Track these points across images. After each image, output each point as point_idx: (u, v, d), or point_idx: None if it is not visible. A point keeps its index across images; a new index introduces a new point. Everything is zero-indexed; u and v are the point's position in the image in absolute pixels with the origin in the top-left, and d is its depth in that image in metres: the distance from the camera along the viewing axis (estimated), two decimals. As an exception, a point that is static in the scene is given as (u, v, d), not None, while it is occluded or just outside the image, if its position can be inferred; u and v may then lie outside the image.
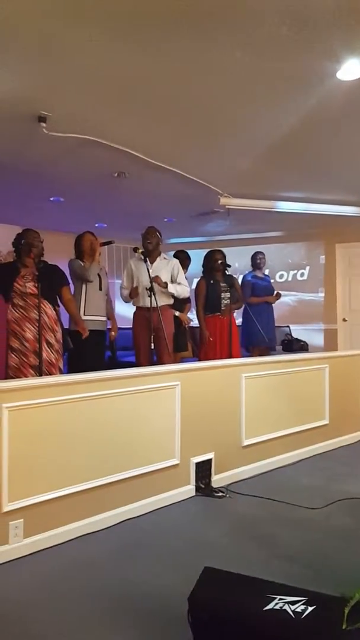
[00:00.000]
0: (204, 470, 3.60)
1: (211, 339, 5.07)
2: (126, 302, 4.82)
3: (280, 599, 1.71)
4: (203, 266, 5.38)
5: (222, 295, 5.14)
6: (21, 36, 2.72)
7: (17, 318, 3.78)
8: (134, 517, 3.15)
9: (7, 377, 3.66)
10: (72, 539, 2.86)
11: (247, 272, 6.18)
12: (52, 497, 2.82)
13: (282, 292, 6.42)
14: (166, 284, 4.57)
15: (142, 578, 2.47)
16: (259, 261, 6.05)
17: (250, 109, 3.69)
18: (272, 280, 6.51)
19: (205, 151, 4.59)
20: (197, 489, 3.54)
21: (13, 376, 3.69)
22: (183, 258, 5.36)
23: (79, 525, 2.92)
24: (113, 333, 4.67)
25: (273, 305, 6.08)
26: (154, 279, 4.37)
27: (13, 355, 3.74)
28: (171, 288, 4.62)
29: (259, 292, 5.90)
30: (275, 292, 6.13)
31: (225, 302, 5.12)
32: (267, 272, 6.32)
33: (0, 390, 2.68)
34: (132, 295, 4.65)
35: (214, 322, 5.12)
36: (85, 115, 3.72)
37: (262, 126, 4.01)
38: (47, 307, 3.89)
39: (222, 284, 5.16)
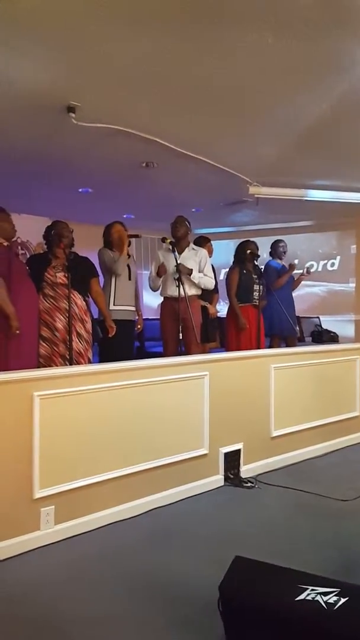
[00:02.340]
0: (232, 460, 3.59)
1: (247, 327, 5.04)
2: (155, 290, 4.80)
3: (312, 590, 1.69)
4: (234, 256, 5.35)
5: (254, 286, 5.11)
6: (50, 27, 2.72)
7: (48, 308, 3.82)
8: (162, 506, 3.16)
9: (38, 365, 3.71)
10: (102, 527, 2.89)
11: (269, 259, 6.08)
12: (82, 485, 2.85)
13: (311, 283, 6.30)
14: (192, 270, 4.55)
15: (172, 566, 2.48)
16: (281, 249, 5.92)
17: (281, 95, 3.62)
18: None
19: (234, 139, 4.53)
20: (226, 478, 3.54)
21: (44, 365, 3.73)
22: (204, 243, 5.27)
23: (108, 513, 2.95)
24: (139, 326, 4.66)
25: (294, 294, 5.97)
26: (179, 266, 4.36)
27: (44, 345, 3.78)
28: (195, 277, 4.58)
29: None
30: (305, 268, 5.99)
31: (257, 293, 5.09)
32: (296, 261, 6.19)
33: (31, 378, 2.71)
34: (159, 274, 4.62)
35: (245, 312, 5.10)
36: (114, 105, 3.71)
37: (293, 113, 3.93)
38: (77, 298, 3.92)
39: (254, 275, 5.12)
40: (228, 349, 5.16)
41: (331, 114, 3.92)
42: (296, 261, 6.18)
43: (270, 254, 5.97)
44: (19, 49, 2.93)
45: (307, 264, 6.80)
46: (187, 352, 4.42)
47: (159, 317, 4.89)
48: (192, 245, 4.77)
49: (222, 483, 3.52)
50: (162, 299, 4.80)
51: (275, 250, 5.90)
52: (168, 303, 4.66)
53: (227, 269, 5.52)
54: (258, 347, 4.80)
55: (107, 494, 2.96)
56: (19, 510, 2.64)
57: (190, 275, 4.54)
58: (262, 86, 3.48)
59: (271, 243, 6.01)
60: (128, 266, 4.49)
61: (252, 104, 3.78)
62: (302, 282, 6.20)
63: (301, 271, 6.11)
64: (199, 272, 4.68)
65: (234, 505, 3.24)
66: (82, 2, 2.50)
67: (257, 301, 5.09)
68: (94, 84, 3.40)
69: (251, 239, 5.42)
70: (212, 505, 3.23)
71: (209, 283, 4.74)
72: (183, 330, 4.36)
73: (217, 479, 3.51)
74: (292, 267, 5.80)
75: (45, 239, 4.13)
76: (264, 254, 6.09)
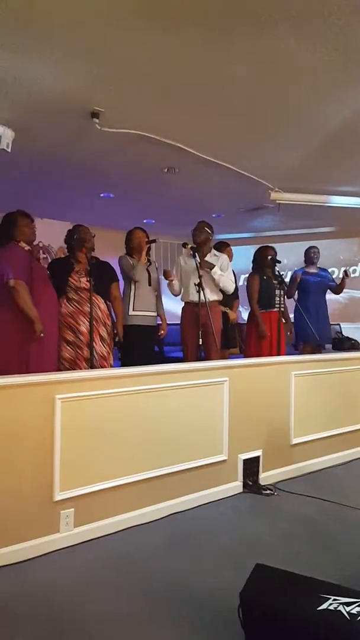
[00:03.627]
0: (251, 467, 3.57)
1: (268, 334, 5.02)
2: (175, 295, 4.81)
3: (334, 600, 1.67)
4: (253, 262, 5.33)
5: (275, 291, 5.08)
6: (75, 33, 2.75)
7: (72, 312, 3.85)
8: (181, 511, 3.16)
9: (60, 369, 3.73)
10: (120, 530, 2.90)
11: (297, 268, 6.04)
12: (102, 488, 2.86)
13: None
14: (214, 265, 4.55)
15: (190, 572, 2.48)
16: (312, 255, 5.86)
17: (305, 101, 3.61)
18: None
19: (256, 145, 4.53)
20: (245, 485, 3.52)
21: (69, 368, 3.76)
22: (223, 248, 5.23)
23: (127, 517, 2.95)
24: (162, 332, 4.66)
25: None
26: (202, 262, 4.35)
27: (68, 348, 3.81)
28: (216, 273, 4.55)
29: (307, 287, 5.74)
30: (343, 271, 5.85)
31: (278, 298, 5.06)
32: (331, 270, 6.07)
33: (53, 381, 2.73)
34: (165, 277, 4.63)
35: (267, 318, 5.07)
36: (137, 110, 3.74)
37: (317, 119, 3.92)
38: (100, 302, 3.95)
39: (274, 281, 5.10)
40: (247, 355, 5.13)
41: (355, 120, 3.90)
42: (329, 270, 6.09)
43: (305, 260, 5.90)
44: (44, 54, 2.97)
45: (347, 268, 6.63)
46: (207, 358, 4.41)
47: (177, 322, 4.89)
48: (213, 251, 4.77)
49: (240, 490, 3.50)
50: (182, 304, 4.80)
51: (307, 256, 5.86)
52: (189, 308, 4.66)
53: (247, 275, 5.50)
54: (278, 354, 4.78)
55: (126, 497, 2.97)
56: (39, 512, 2.65)
57: (211, 270, 4.53)
58: (285, 92, 3.47)
59: (305, 250, 5.95)
60: (148, 272, 4.50)
61: (276, 110, 3.77)
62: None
63: (341, 276, 5.97)
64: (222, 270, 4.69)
65: (253, 512, 3.22)
66: (106, 8, 2.53)
67: (279, 306, 5.06)
68: (117, 91, 3.42)
69: (270, 245, 5.39)
70: (231, 512, 3.21)
71: (229, 284, 4.68)
72: (203, 335, 4.35)
73: (235, 486, 3.49)
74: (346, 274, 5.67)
75: (67, 243, 4.17)
76: (285, 260, 6.05)
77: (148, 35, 2.77)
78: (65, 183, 5.77)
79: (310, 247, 5.92)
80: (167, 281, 4.70)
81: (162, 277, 4.78)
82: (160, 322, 4.66)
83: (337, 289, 5.83)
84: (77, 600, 2.24)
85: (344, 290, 5.91)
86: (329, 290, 5.89)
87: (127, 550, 2.70)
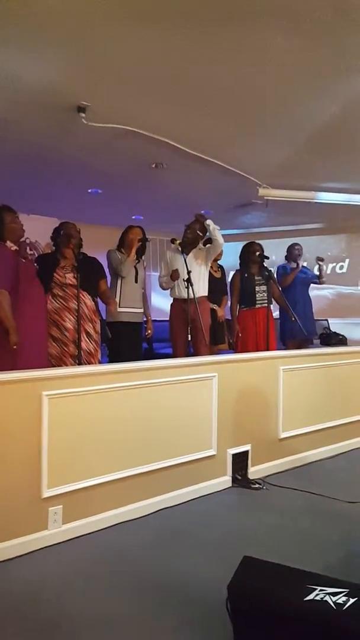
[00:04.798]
0: (240, 461, 3.58)
1: (240, 335, 5.04)
2: (165, 289, 4.80)
3: (321, 590, 1.68)
4: (240, 258, 5.33)
5: (257, 288, 5.06)
6: (61, 27, 2.74)
7: (57, 308, 3.83)
8: (170, 507, 3.16)
9: (48, 365, 3.71)
10: (110, 527, 2.89)
11: (280, 263, 6.06)
12: (90, 485, 2.85)
13: (320, 285, 6.23)
14: (206, 219, 4.58)
15: (179, 566, 2.48)
16: (297, 252, 5.89)
17: (292, 97, 3.62)
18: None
19: (244, 141, 4.53)
20: (234, 480, 3.53)
21: (55, 365, 3.74)
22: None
23: (116, 513, 2.95)
24: (149, 331, 4.64)
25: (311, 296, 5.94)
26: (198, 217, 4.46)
27: (54, 344, 3.80)
28: (210, 226, 4.53)
29: (293, 283, 5.75)
30: (316, 258, 5.95)
31: (261, 295, 5.04)
32: (305, 264, 6.16)
33: (40, 378, 2.72)
34: (173, 278, 4.60)
35: (251, 315, 5.07)
36: (124, 105, 3.73)
37: (304, 115, 3.93)
38: (86, 298, 3.93)
39: (257, 277, 5.07)
40: (236, 351, 5.14)
41: (342, 116, 3.91)
42: (305, 263, 6.13)
43: (286, 257, 5.94)
44: (30, 48, 2.95)
45: (316, 268, 6.72)
46: (196, 353, 4.42)
47: (167, 318, 4.89)
48: (200, 245, 4.76)
49: (229, 484, 3.51)
50: (171, 300, 4.80)
51: (291, 253, 5.88)
52: (177, 304, 4.66)
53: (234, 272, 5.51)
54: (267, 349, 4.79)
55: (115, 494, 2.96)
56: (27, 509, 2.64)
57: (206, 222, 4.55)
58: (273, 88, 3.48)
59: (288, 246, 5.99)
60: (135, 269, 4.49)
61: (264, 106, 3.78)
62: (314, 285, 6.09)
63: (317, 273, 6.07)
64: (208, 264, 4.74)
65: (241, 506, 3.23)
66: (93, 3, 2.52)
67: (265, 302, 5.02)
68: (104, 85, 3.41)
69: (258, 241, 5.39)
70: (220, 506, 3.22)
71: (221, 238, 4.65)
72: (192, 331, 4.36)
73: (224, 480, 3.50)
74: (297, 266, 5.78)
75: (53, 239, 4.15)
76: (273, 256, 6.07)
77: (134, 30, 2.76)
78: (52, 179, 5.74)
79: (294, 244, 5.95)
80: (165, 278, 4.69)
81: (159, 276, 4.79)
82: (147, 320, 4.64)
83: (319, 278, 5.93)
84: (66, 597, 2.23)
85: (332, 286, 5.97)
86: (315, 287, 5.94)
87: (116, 546, 2.70)
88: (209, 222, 4.56)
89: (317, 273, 5.95)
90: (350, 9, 2.58)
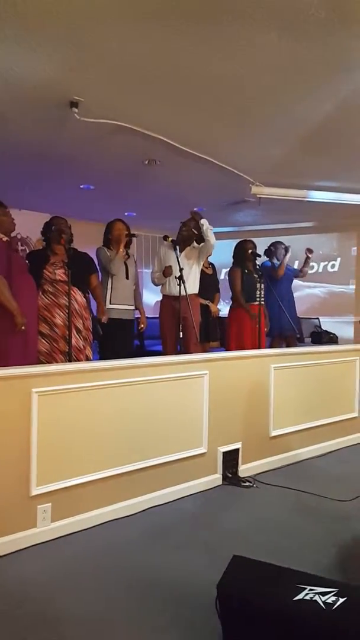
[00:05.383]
0: (231, 459, 3.58)
1: (234, 332, 5.07)
2: (157, 284, 4.78)
3: (310, 590, 1.68)
4: (234, 256, 5.33)
5: (257, 284, 5.10)
6: (54, 23, 2.70)
7: (47, 304, 3.80)
8: (160, 505, 3.15)
9: (38, 362, 3.69)
10: (99, 525, 2.88)
11: (264, 260, 6.06)
12: (80, 483, 2.84)
13: (312, 284, 6.28)
14: (201, 217, 4.58)
15: (169, 565, 2.47)
16: (283, 251, 5.91)
17: (285, 95, 3.61)
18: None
19: (238, 139, 4.52)
20: (224, 478, 3.52)
21: (44, 361, 3.72)
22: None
23: (105, 511, 2.93)
24: (142, 326, 4.63)
25: (301, 295, 5.97)
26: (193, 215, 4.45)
27: (44, 341, 3.77)
28: (204, 225, 4.53)
29: (282, 279, 5.79)
30: (306, 249, 6.01)
31: (259, 292, 5.09)
32: (296, 263, 6.18)
33: (29, 375, 2.70)
34: (165, 274, 4.59)
35: (248, 311, 5.09)
36: (117, 100, 3.69)
37: (297, 113, 3.91)
38: (77, 294, 3.91)
39: (255, 275, 5.12)
40: (228, 349, 5.14)
41: (335, 115, 3.90)
42: (296, 262, 6.15)
43: (266, 252, 5.94)
44: (23, 43, 2.91)
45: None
46: (186, 351, 4.41)
47: (157, 315, 4.88)
48: (194, 243, 4.76)
49: (220, 482, 3.51)
50: (160, 297, 4.79)
51: (276, 250, 5.88)
52: (167, 301, 4.65)
53: (228, 269, 5.51)
54: (259, 347, 4.79)
55: (105, 492, 2.95)
56: (16, 507, 2.62)
57: (200, 221, 4.56)
58: (267, 86, 3.46)
59: (270, 243, 5.99)
60: (125, 265, 4.46)
61: (257, 104, 3.76)
62: (303, 283, 6.16)
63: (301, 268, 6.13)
64: (200, 263, 4.74)
65: (232, 504, 3.23)
66: (87, -3, 2.49)
67: (261, 299, 5.09)
68: (97, 80, 3.38)
69: (251, 239, 5.41)
70: (210, 505, 3.21)
71: (213, 239, 4.64)
72: (183, 328, 4.35)
73: (215, 478, 3.49)
74: (284, 257, 5.82)
75: (44, 235, 4.12)
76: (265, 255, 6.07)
77: (128, 25, 2.73)
78: (44, 174, 5.69)
79: (279, 242, 5.97)
80: (157, 274, 4.67)
81: (152, 272, 4.77)
82: (139, 316, 4.63)
83: (303, 267, 6.04)
84: (54, 596, 2.21)
85: (324, 285, 6.00)
86: (304, 285, 5.98)
87: (105, 544, 2.69)
88: (203, 221, 4.56)
89: (302, 263, 6.05)
90: (344, 8, 2.57)
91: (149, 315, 4.80)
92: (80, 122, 3.86)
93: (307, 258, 6.01)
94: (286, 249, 5.85)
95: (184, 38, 2.86)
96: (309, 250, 5.99)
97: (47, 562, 2.50)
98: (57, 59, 3.11)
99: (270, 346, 5.51)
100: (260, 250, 6.01)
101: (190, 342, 4.46)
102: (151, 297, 5.16)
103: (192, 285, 4.61)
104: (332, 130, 4.27)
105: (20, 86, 3.42)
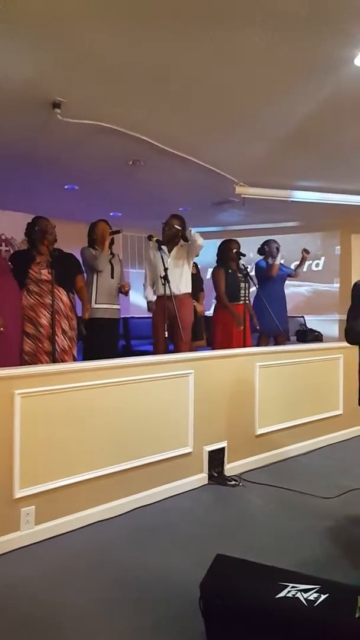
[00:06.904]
0: (217, 458, 3.59)
1: (220, 331, 5.08)
2: (149, 301, 4.77)
3: (292, 587, 1.69)
4: (218, 255, 5.34)
5: (241, 284, 5.12)
6: (37, 23, 2.69)
7: (32, 304, 3.79)
8: (146, 505, 3.15)
9: (22, 363, 3.67)
10: (84, 526, 2.87)
11: (258, 259, 6.09)
12: (64, 484, 2.82)
13: (297, 282, 6.33)
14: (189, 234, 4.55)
15: (155, 565, 2.47)
16: (276, 248, 5.93)
17: (267, 95, 3.62)
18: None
19: (221, 139, 4.52)
20: (210, 477, 3.53)
21: (29, 362, 3.70)
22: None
23: (91, 513, 2.93)
24: (127, 287, 4.60)
25: (286, 294, 6.00)
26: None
27: (28, 341, 3.76)
28: (191, 232, 4.51)
29: (270, 278, 5.81)
30: (303, 249, 6.05)
31: (243, 291, 5.10)
32: (282, 261, 6.20)
33: (12, 376, 2.68)
34: (149, 309, 4.66)
35: (231, 313, 5.10)
36: (100, 101, 3.68)
37: (279, 113, 3.93)
38: (62, 294, 3.90)
39: (239, 275, 5.13)
40: (214, 348, 5.15)
41: (317, 115, 3.93)
42: (282, 260, 6.17)
43: (259, 251, 5.96)
44: (4, 43, 2.89)
45: (292, 266, 6.77)
46: (176, 350, 4.41)
47: (145, 315, 4.87)
48: (181, 242, 4.74)
49: (206, 481, 3.51)
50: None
51: (270, 249, 5.89)
52: (161, 302, 4.64)
53: (212, 269, 5.52)
54: (244, 346, 4.81)
55: (90, 493, 2.94)
56: (-1, 509, 2.60)
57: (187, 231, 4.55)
58: (248, 86, 3.47)
59: (263, 242, 6.00)
60: (111, 264, 4.46)
61: (239, 103, 3.77)
62: (289, 282, 6.18)
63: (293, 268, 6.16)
64: (190, 262, 4.73)
65: (217, 503, 3.24)
66: (68, -3, 2.48)
67: (245, 299, 5.11)
68: (79, 80, 3.36)
69: (235, 239, 5.42)
70: (196, 504, 3.22)
71: (200, 241, 4.60)
72: (169, 328, 4.35)
73: (201, 477, 3.50)
74: (276, 256, 5.84)
75: (27, 235, 4.10)
76: (250, 254, 6.10)
77: (110, 25, 2.72)
78: (27, 174, 5.65)
79: (272, 241, 5.98)
80: (147, 291, 4.69)
81: (143, 283, 4.77)
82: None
83: (298, 267, 6.08)
84: (39, 598, 2.20)
85: (309, 283, 6.04)
86: (291, 284, 6.02)
87: (91, 545, 2.68)
88: (189, 230, 4.55)
89: (298, 263, 6.08)
90: (327, 7, 2.58)
91: (137, 315, 4.80)
92: (63, 123, 3.85)
93: (303, 258, 6.04)
94: (278, 248, 5.87)
95: (166, 39, 2.86)
96: (306, 251, 6.01)
97: (31, 565, 2.49)
98: (39, 59, 3.09)
99: (258, 344, 5.53)
100: (253, 249, 6.05)
101: (178, 341, 4.46)
102: (140, 298, 5.16)
103: (185, 285, 4.60)
104: (314, 130, 4.29)
105: (2, 86, 3.40)
